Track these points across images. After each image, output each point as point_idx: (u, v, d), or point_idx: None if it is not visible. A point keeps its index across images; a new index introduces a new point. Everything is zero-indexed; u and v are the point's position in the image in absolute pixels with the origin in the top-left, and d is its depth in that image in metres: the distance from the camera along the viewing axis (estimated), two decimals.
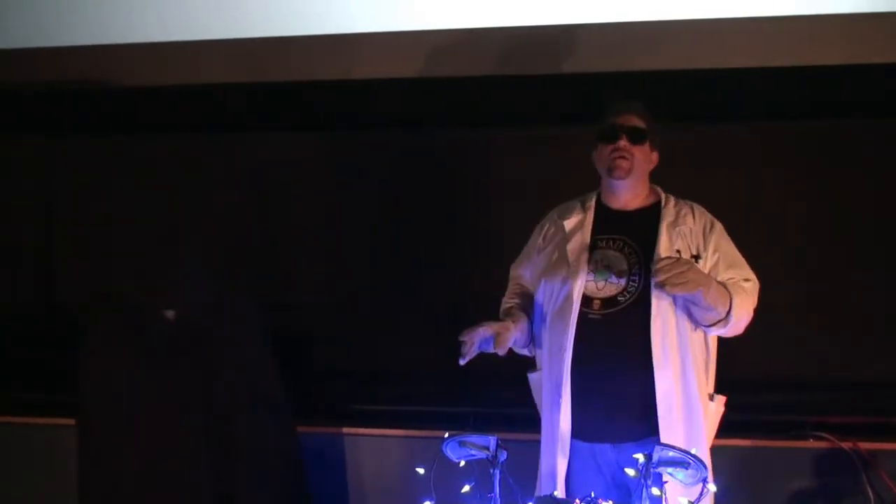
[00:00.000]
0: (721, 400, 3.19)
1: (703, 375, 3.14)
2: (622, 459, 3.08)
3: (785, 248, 4.19)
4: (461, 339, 3.06)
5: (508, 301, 3.36)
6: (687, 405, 3.07)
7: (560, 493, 3.07)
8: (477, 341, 3.07)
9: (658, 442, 2.88)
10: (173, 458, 3.52)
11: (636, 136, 3.20)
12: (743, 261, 3.21)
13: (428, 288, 4.40)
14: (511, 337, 3.15)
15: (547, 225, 3.35)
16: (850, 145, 4.23)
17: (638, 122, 3.22)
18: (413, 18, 4.32)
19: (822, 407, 3.92)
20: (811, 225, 4.20)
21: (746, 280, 3.16)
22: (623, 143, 3.18)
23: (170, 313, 3.63)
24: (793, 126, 4.29)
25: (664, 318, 3.07)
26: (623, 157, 3.18)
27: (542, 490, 3.12)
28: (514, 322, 3.19)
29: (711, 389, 3.18)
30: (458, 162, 4.48)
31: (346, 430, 4.11)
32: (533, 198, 3.87)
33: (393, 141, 4.56)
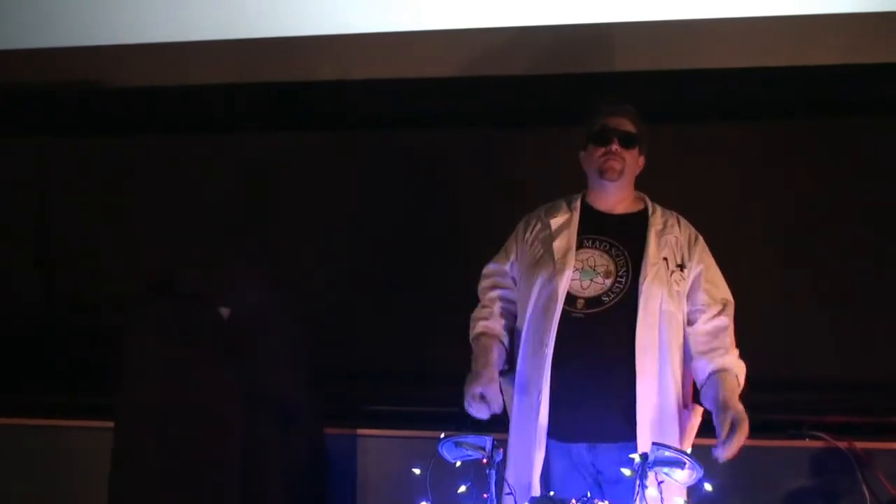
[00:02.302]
0: (698, 410, 3.20)
1: (682, 384, 3.16)
2: (598, 460, 3.11)
3: (782, 248, 4.20)
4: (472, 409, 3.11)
5: (481, 320, 3.31)
6: (664, 412, 3.08)
7: (535, 490, 3.07)
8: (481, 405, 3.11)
9: (635, 446, 2.95)
10: (208, 455, 3.51)
11: (628, 141, 3.22)
12: (721, 278, 3.24)
13: (425, 289, 4.40)
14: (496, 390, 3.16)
15: (533, 221, 3.34)
16: (848, 145, 4.23)
17: (629, 127, 3.23)
18: (411, 19, 4.32)
19: (818, 406, 3.92)
20: (808, 225, 4.21)
21: (724, 307, 3.17)
22: (615, 146, 3.20)
23: (224, 311, 3.62)
24: (791, 126, 4.29)
25: (649, 323, 3.08)
26: (614, 160, 3.20)
27: (517, 488, 3.08)
28: (492, 366, 3.18)
29: (688, 399, 3.19)
30: (462, 162, 4.49)
31: (342, 431, 4.10)
32: (534, 198, 3.87)
33: (398, 141, 4.56)
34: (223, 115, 4.63)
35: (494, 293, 3.35)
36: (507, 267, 3.36)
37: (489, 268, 3.39)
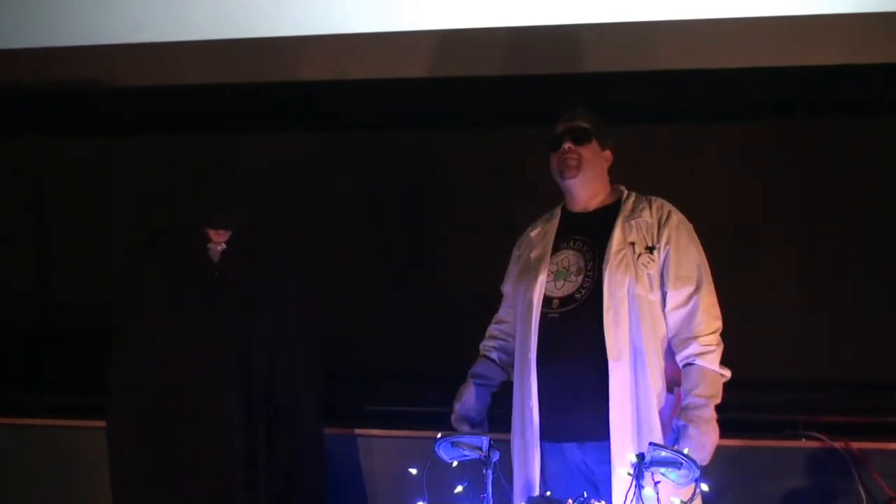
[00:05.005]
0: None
1: (662, 369, 3.14)
2: (588, 458, 3.11)
3: (781, 247, 4.21)
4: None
5: (486, 348, 3.46)
6: (641, 400, 3.07)
7: (536, 490, 3.08)
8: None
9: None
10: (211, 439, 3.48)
11: (579, 136, 3.26)
12: (694, 257, 3.18)
13: (424, 289, 4.42)
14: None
15: (521, 240, 3.42)
16: (848, 145, 4.23)
17: (581, 124, 3.28)
18: (409, 19, 4.33)
19: (814, 406, 3.90)
20: (808, 224, 4.21)
21: (694, 290, 3.12)
22: (568, 145, 3.25)
23: (217, 247, 3.61)
24: (791, 126, 4.30)
25: (616, 310, 3.09)
26: (569, 157, 3.24)
27: (517, 492, 3.12)
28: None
29: (672, 382, 3.17)
30: (461, 162, 4.50)
31: (337, 431, 4.10)
32: (534, 198, 3.87)
33: (397, 141, 4.58)
34: (221, 115, 4.63)
35: (495, 328, 3.46)
36: (505, 288, 3.44)
37: (502, 289, 3.47)
